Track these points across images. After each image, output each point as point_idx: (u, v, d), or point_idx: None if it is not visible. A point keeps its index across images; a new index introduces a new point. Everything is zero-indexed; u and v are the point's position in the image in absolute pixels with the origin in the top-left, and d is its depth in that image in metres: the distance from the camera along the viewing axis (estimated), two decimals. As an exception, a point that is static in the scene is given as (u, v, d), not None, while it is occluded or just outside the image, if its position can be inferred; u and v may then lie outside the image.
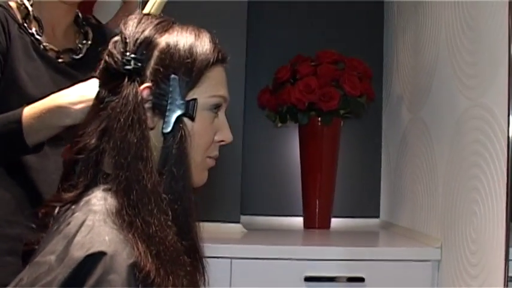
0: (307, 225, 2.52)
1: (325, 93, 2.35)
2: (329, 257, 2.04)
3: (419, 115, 2.29)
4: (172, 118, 1.04)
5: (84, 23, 1.66)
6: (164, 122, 1.05)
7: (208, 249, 1.94)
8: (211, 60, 1.09)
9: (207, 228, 2.21)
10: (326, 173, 2.50)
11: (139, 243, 0.93)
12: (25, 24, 1.51)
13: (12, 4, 1.53)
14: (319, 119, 2.43)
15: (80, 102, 1.27)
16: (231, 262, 2.02)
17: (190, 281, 1.03)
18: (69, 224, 0.96)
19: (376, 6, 2.74)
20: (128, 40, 1.06)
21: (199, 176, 1.11)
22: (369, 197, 2.71)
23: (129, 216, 0.96)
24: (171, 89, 1.05)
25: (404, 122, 2.45)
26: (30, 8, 1.52)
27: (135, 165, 0.99)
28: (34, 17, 1.52)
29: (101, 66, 1.10)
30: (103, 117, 1.05)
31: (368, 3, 2.72)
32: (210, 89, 1.09)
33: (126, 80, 1.04)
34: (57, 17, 1.57)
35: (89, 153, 1.04)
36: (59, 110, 1.29)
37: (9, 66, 1.45)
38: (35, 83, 1.47)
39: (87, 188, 1.03)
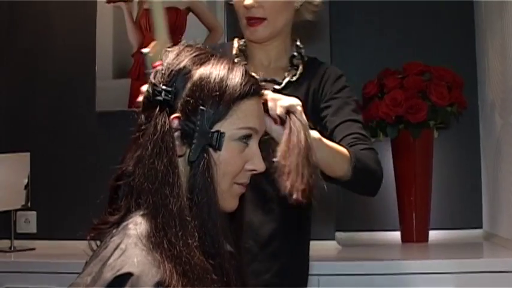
0: (405, 239, 2.50)
1: (412, 105, 2.33)
2: (429, 270, 2.02)
3: (509, 120, 2.22)
4: (198, 148, 1.09)
5: None
6: (190, 151, 1.10)
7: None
8: (241, 93, 1.12)
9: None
10: (421, 185, 2.47)
11: (166, 263, 1.00)
12: None
13: None
14: (409, 131, 2.41)
15: None
16: (318, 280, 2.05)
17: None
18: (106, 247, 1.04)
19: (464, 12, 2.68)
20: (163, 71, 1.14)
21: (227, 203, 1.15)
22: (470, 208, 2.64)
23: (156, 238, 1.03)
24: (198, 120, 1.09)
25: (497, 128, 2.38)
26: None
27: (162, 190, 1.05)
28: None
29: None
30: (139, 144, 1.12)
31: (456, 8, 2.68)
32: (239, 121, 1.12)
33: (158, 109, 1.10)
34: None
35: (127, 179, 1.12)
36: None
37: None
38: None
39: (129, 211, 1.11)
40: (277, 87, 1.57)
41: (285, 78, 1.62)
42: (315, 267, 2.05)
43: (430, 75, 2.39)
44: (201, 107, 1.10)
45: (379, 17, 2.73)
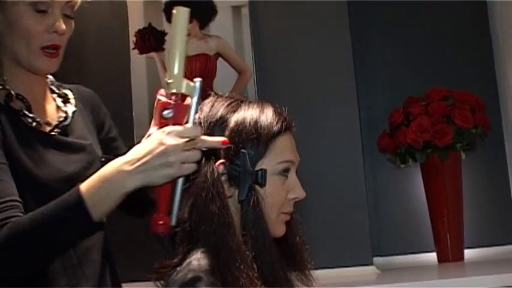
0: (441, 259, 2.56)
1: (438, 130, 2.42)
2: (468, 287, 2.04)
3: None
4: (245, 187, 1.20)
5: (59, 86, 1.61)
6: (239, 191, 1.21)
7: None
8: (275, 132, 1.24)
9: (340, 274, 2.36)
10: (452, 205, 2.54)
11: None
12: (11, 105, 1.41)
13: None
14: (437, 155, 2.49)
15: (136, 160, 1.20)
16: None
17: None
18: (174, 282, 1.16)
19: (481, 36, 2.78)
20: (203, 124, 1.25)
21: (277, 230, 1.26)
22: (503, 224, 2.70)
23: (220, 273, 1.14)
24: (241, 162, 1.21)
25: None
26: (7, 87, 1.42)
27: (220, 231, 1.16)
28: (16, 96, 1.42)
29: None
30: (190, 193, 1.22)
31: (473, 34, 2.78)
32: (277, 157, 1.24)
33: (204, 159, 1.21)
34: (35, 87, 1.49)
35: (184, 225, 1.23)
36: (118, 174, 1.21)
37: (9, 157, 1.33)
38: (38, 165, 1.38)
39: (187, 254, 1.21)
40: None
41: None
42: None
43: (453, 100, 2.48)
44: (242, 150, 1.21)
45: (399, 47, 2.83)
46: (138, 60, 2.63)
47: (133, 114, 2.61)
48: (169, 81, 1.25)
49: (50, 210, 1.21)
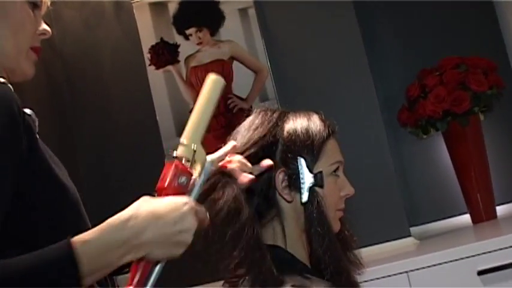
0: (475, 220, 2.64)
1: (455, 97, 2.50)
2: (501, 246, 2.11)
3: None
4: (307, 190, 1.30)
5: None
6: (301, 195, 1.30)
7: (385, 269, 2.17)
8: (325, 136, 1.34)
9: (381, 249, 2.43)
10: (479, 167, 2.61)
11: None
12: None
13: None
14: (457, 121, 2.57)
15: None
16: (408, 276, 2.17)
17: None
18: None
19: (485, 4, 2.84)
20: (256, 141, 1.32)
21: (335, 227, 1.35)
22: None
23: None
24: (300, 168, 1.30)
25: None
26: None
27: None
28: None
29: None
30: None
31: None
32: (329, 159, 1.34)
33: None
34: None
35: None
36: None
37: (39, 165, 1.15)
38: (63, 175, 1.23)
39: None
40: None
41: None
42: (400, 265, 2.20)
43: (466, 66, 2.55)
44: (299, 157, 1.31)
45: (406, 22, 2.90)
46: (156, 76, 2.70)
47: (160, 129, 2.68)
48: (185, 142, 1.19)
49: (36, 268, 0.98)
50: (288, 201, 1.32)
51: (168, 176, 1.15)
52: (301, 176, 1.30)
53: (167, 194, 1.12)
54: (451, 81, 2.52)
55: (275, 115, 1.37)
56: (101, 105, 2.82)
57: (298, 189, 1.31)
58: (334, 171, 1.35)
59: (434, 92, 2.52)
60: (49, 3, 1.30)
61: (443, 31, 2.84)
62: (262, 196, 1.33)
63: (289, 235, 1.32)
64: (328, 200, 1.32)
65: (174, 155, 1.19)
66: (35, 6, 1.24)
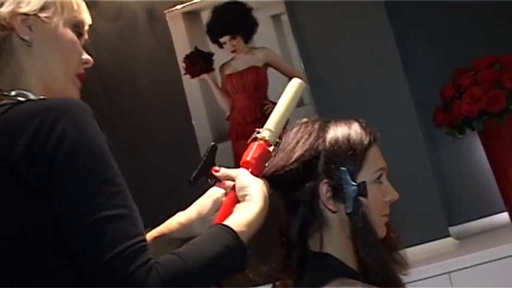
0: (514, 218, 2.63)
1: (490, 97, 2.49)
2: None
3: None
4: (351, 201, 1.30)
5: None
6: (346, 206, 1.31)
7: (426, 270, 2.18)
8: (367, 145, 1.34)
9: (421, 250, 2.44)
10: (517, 165, 2.60)
11: None
12: None
13: None
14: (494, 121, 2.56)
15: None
16: (449, 277, 2.18)
17: None
18: None
19: None
20: (300, 153, 1.33)
21: (381, 233, 1.36)
22: None
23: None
24: (344, 179, 1.31)
25: None
26: None
27: None
28: None
29: None
30: (297, 216, 1.37)
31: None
32: (372, 167, 1.34)
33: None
34: None
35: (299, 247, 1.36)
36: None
37: None
38: None
39: (303, 273, 1.34)
40: None
41: None
42: (442, 266, 2.21)
43: (500, 65, 2.54)
44: (342, 168, 1.31)
45: (438, 21, 2.89)
46: (191, 85, 2.74)
47: (197, 137, 2.71)
48: (273, 129, 1.34)
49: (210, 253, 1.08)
50: (333, 212, 1.33)
51: (256, 153, 1.31)
52: (345, 186, 1.30)
53: (250, 168, 1.30)
54: (486, 80, 2.52)
55: (316, 126, 1.37)
56: (137, 116, 2.85)
57: (343, 200, 1.31)
58: (378, 178, 1.35)
59: (469, 91, 2.52)
60: (87, 37, 1.32)
61: (475, 30, 2.83)
62: (307, 207, 1.34)
63: (336, 243, 1.34)
64: (373, 207, 1.33)
65: (260, 136, 1.33)
66: (80, 35, 1.28)
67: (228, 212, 1.23)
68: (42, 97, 1.16)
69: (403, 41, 2.83)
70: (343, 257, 1.33)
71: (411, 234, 2.47)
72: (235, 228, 1.13)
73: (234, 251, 1.11)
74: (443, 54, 2.85)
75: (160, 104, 2.82)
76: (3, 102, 1.15)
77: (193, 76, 2.72)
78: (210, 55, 2.71)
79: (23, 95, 1.16)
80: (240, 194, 1.25)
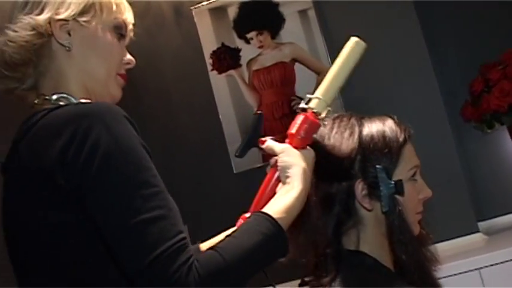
0: (544, 213, 2.62)
1: (520, 91, 2.48)
2: None
3: None
4: (387, 199, 1.28)
5: None
6: (382, 204, 1.29)
7: (456, 266, 2.16)
8: (402, 142, 1.31)
9: (449, 247, 2.42)
10: (547, 159, 2.58)
11: None
12: None
13: None
14: (523, 115, 2.54)
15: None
16: (480, 273, 2.17)
17: None
18: None
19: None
20: (333, 150, 1.32)
21: (415, 230, 1.33)
22: None
23: None
24: (380, 177, 1.28)
25: None
26: None
27: None
28: None
29: None
30: (332, 214, 1.34)
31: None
32: (407, 165, 1.31)
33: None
34: None
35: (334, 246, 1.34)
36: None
37: None
38: None
39: (338, 272, 1.31)
40: None
41: None
42: (472, 262, 2.20)
43: (529, 59, 2.53)
44: (377, 166, 1.28)
45: (465, 16, 2.87)
46: (218, 81, 2.74)
47: (225, 133, 2.72)
48: (321, 97, 1.28)
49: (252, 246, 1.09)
50: (369, 210, 1.31)
51: (302, 126, 1.26)
52: (380, 185, 1.28)
53: (294, 142, 1.26)
54: (515, 74, 2.50)
55: (351, 122, 1.35)
56: (164, 113, 2.86)
57: (378, 198, 1.29)
58: (412, 175, 1.33)
59: (498, 86, 2.50)
60: (132, 34, 1.34)
61: (504, 24, 2.81)
62: (342, 205, 1.32)
63: (371, 241, 1.32)
64: (408, 205, 1.30)
65: (306, 106, 1.27)
66: (121, 36, 1.29)
67: (266, 191, 1.25)
68: (82, 100, 1.18)
69: (432, 37, 2.81)
70: (378, 256, 1.32)
71: (440, 230, 2.45)
72: (275, 216, 1.13)
73: (273, 238, 1.11)
74: (472, 49, 2.82)
75: (187, 100, 2.83)
76: (44, 106, 1.17)
77: (220, 72, 2.72)
78: (237, 51, 2.71)
79: (64, 99, 1.18)
80: (281, 174, 1.25)
